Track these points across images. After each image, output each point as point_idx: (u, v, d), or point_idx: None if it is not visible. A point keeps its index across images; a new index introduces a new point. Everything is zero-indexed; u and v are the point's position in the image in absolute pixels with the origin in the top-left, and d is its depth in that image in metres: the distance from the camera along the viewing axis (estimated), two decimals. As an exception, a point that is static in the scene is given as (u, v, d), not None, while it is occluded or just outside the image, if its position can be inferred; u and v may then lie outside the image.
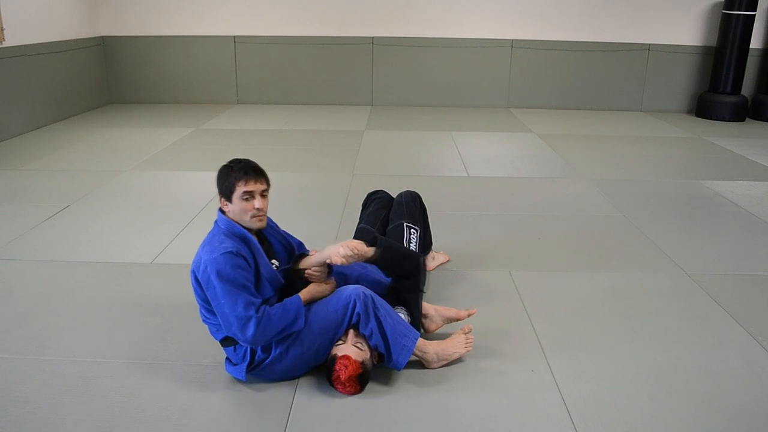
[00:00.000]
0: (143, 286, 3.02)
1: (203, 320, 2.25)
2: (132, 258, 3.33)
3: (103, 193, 4.42)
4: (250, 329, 2.05)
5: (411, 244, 2.92)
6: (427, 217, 3.15)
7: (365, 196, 3.22)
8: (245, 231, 2.17)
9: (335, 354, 2.16)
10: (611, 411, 2.12)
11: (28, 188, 4.52)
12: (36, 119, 6.48)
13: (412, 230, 2.98)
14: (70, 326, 2.62)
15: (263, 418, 2.06)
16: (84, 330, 2.59)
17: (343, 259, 2.26)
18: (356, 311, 2.17)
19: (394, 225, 2.99)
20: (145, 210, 4.07)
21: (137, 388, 2.20)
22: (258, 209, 2.18)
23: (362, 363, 2.15)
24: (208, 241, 2.16)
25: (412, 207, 3.06)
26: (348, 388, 2.14)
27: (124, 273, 3.16)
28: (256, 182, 2.18)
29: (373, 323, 2.17)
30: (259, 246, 2.19)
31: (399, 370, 2.24)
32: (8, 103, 6.03)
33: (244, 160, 2.24)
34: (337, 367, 2.13)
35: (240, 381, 2.23)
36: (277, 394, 2.18)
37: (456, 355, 2.33)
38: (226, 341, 2.21)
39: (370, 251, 2.40)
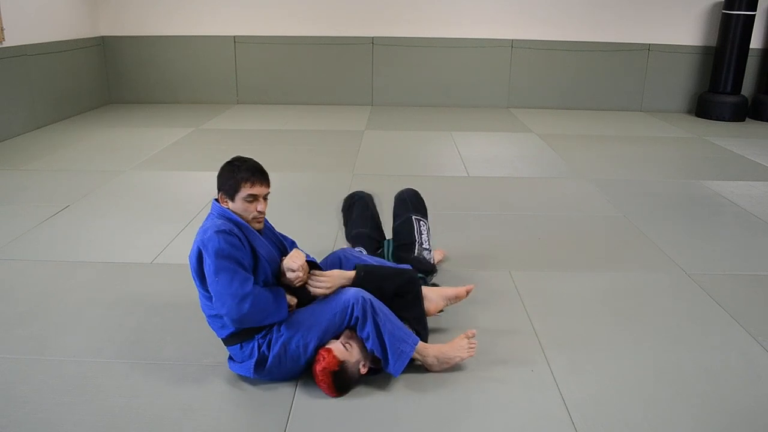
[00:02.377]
0: (143, 286, 3.02)
1: (205, 313, 2.24)
2: (132, 258, 3.33)
3: (103, 193, 4.42)
4: (246, 306, 2.05)
5: (422, 236, 2.89)
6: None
7: (342, 201, 3.14)
8: (238, 217, 2.18)
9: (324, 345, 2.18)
10: (611, 411, 2.12)
11: (28, 188, 4.51)
12: (36, 119, 6.48)
13: (421, 222, 2.94)
14: (70, 326, 2.62)
15: (263, 418, 2.06)
16: (84, 330, 2.59)
17: (294, 278, 2.20)
18: (354, 315, 2.16)
19: (402, 220, 2.96)
20: (145, 210, 4.07)
21: (137, 388, 2.20)
22: (260, 212, 2.19)
23: (342, 362, 2.12)
24: (202, 227, 2.18)
25: (416, 202, 3.04)
26: (322, 383, 2.12)
27: (124, 273, 3.16)
28: (261, 185, 2.19)
29: (369, 327, 2.16)
30: (252, 229, 2.19)
31: (396, 376, 2.21)
32: (8, 103, 6.03)
33: (249, 159, 2.24)
34: (317, 357, 2.14)
35: (241, 380, 2.23)
36: (277, 394, 2.18)
37: (457, 360, 2.30)
38: (231, 339, 2.22)
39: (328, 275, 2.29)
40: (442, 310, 2.64)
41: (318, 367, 2.11)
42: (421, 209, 3.03)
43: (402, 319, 2.32)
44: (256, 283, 2.15)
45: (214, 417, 2.07)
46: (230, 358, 2.27)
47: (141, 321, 2.66)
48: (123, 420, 2.04)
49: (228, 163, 2.23)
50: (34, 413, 2.06)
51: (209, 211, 2.26)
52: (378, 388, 2.21)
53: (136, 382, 2.24)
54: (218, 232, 2.09)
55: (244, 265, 2.09)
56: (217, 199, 2.25)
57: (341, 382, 2.14)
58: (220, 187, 2.22)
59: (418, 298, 2.41)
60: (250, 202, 2.18)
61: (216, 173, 2.25)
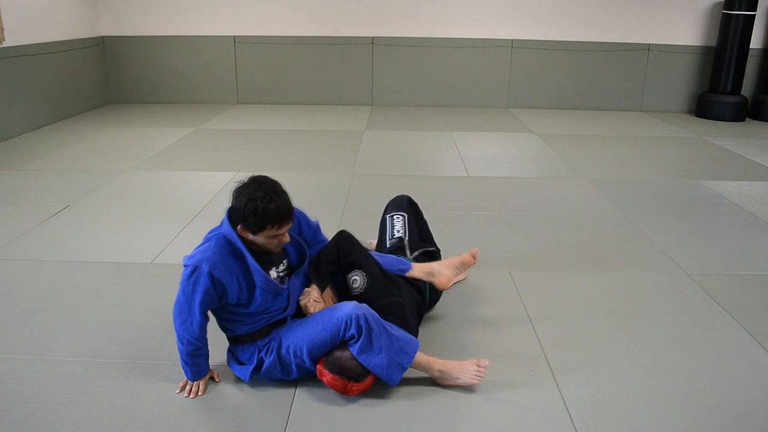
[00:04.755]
0: (143, 286, 3.02)
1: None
2: (132, 258, 3.33)
3: (103, 193, 4.42)
4: (177, 330, 2.15)
5: (393, 228, 2.87)
6: (422, 215, 3.09)
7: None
8: (244, 249, 2.10)
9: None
10: (611, 411, 2.12)
11: (28, 188, 4.51)
12: (36, 119, 6.48)
13: (394, 216, 2.91)
14: (70, 326, 2.62)
15: (263, 418, 2.07)
16: (84, 330, 2.59)
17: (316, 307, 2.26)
18: (349, 333, 2.10)
19: (381, 227, 2.96)
20: (145, 210, 4.07)
21: (137, 388, 2.20)
22: (282, 242, 2.15)
23: (326, 359, 2.13)
24: (205, 241, 2.14)
25: (393, 203, 3.02)
26: (332, 383, 2.12)
27: (124, 273, 3.16)
28: (289, 223, 2.11)
29: (360, 344, 2.10)
30: (255, 264, 2.11)
31: (393, 385, 2.17)
32: (8, 103, 6.03)
33: (272, 191, 2.06)
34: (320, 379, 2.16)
35: (241, 380, 2.24)
36: (277, 394, 2.18)
37: (459, 382, 2.20)
38: (234, 340, 2.23)
39: (316, 291, 2.33)
40: (455, 282, 2.59)
41: (320, 377, 2.13)
42: (397, 207, 2.98)
43: (350, 265, 2.35)
44: (249, 311, 2.14)
45: (214, 417, 2.07)
46: (231, 354, 2.27)
47: (141, 321, 2.67)
48: (123, 420, 2.04)
49: (249, 198, 2.02)
50: (34, 413, 2.06)
51: (220, 227, 2.15)
52: (377, 388, 2.21)
53: (136, 382, 2.24)
54: (198, 269, 2.04)
55: (192, 306, 2.09)
56: (231, 222, 2.10)
57: (341, 369, 2.10)
58: (241, 221, 2.06)
59: (352, 243, 2.41)
60: (274, 237, 2.11)
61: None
